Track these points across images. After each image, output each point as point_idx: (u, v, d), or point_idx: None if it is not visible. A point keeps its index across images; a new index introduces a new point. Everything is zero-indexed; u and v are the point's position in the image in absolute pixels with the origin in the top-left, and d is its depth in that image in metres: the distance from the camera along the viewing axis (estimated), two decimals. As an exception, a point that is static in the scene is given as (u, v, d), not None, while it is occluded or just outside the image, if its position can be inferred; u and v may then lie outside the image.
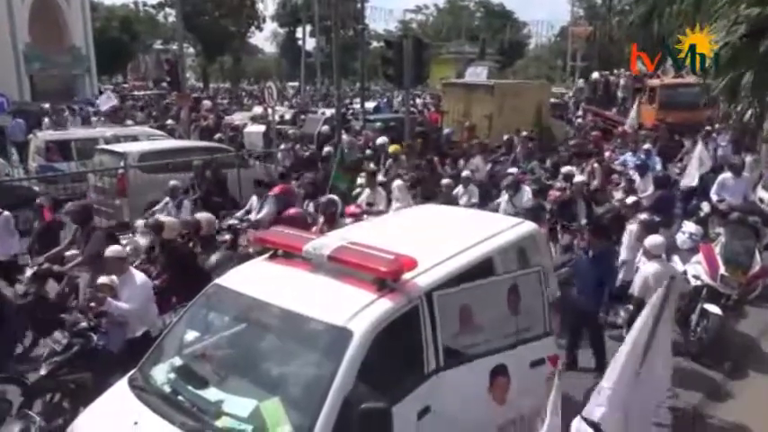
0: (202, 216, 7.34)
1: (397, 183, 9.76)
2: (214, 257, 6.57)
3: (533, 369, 4.67)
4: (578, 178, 9.69)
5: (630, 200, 8.35)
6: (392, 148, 12.72)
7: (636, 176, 10.29)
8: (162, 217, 7.16)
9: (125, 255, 5.78)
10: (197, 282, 5.57)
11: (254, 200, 9.44)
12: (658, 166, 11.87)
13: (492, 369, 4.32)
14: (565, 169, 10.62)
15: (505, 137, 14.54)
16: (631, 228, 7.27)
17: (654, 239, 6.04)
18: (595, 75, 26.72)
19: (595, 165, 11.13)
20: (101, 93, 37.62)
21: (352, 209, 8.12)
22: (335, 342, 3.61)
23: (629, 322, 6.08)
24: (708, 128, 15.18)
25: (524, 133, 14.56)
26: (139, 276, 5.73)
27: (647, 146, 12.81)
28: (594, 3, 55.36)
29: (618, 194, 9.51)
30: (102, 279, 5.65)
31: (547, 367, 4.72)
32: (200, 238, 7.07)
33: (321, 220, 7.66)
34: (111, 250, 5.68)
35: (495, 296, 4.53)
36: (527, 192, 9.23)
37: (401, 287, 3.94)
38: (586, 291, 6.20)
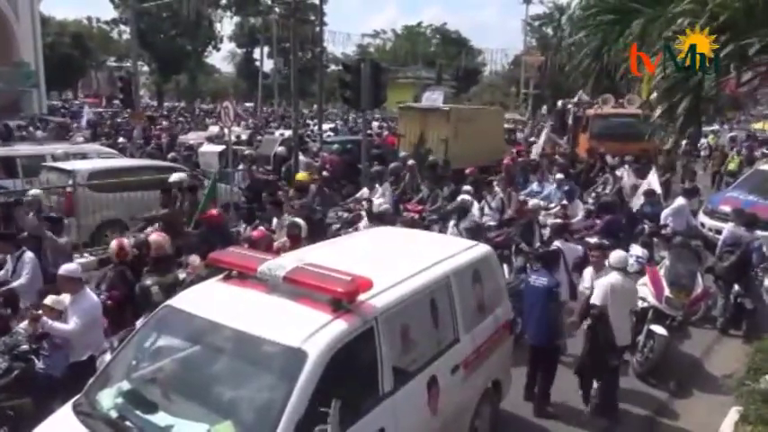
0: (152, 237, 7.13)
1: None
2: (146, 282, 6.31)
3: (453, 375, 4.82)
4: (533, 202, 9.95)
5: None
6: (300, 176, 11.35)
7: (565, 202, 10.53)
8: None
9: (78, 275, 5.57)
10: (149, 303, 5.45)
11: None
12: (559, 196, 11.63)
13: (427, 381, 4.47)
14: (465, 188, 10.93)
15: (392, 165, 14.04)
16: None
17: (618, 254, 6.30)
18: (560, 103, 27.21)
19: (513, 193, 11.25)
20: (64, 108, 36.73)
21: (255, 233, 7.75)
22: (290, 364, 3.57)
23: (591, 340, 6.24)
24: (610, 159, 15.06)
25: (410, 162, 13.86)
26: (90, 299, 5.56)
27: (559, 175, 12.53)
28: (546, 34, 57.35)
29: (550, 220, 9.71)
30: (47, 300, 5.48)
31: (462, 371, 4.92)
32: (152, 259, 6.86)
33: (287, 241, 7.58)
34: (64, 269, 5.53)
35: (425, 311, 4.70)
36: (473, 216, 9.41)
37: (357, 308, 3.95)
38: (543, 321, 6.16)
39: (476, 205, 10.37)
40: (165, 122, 29.42)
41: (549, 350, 6.28)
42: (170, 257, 6.97)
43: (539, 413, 6.27)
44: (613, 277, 6.16)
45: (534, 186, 12.59)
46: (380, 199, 10.84)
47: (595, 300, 6.07)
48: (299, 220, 8.06)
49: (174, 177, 10.44)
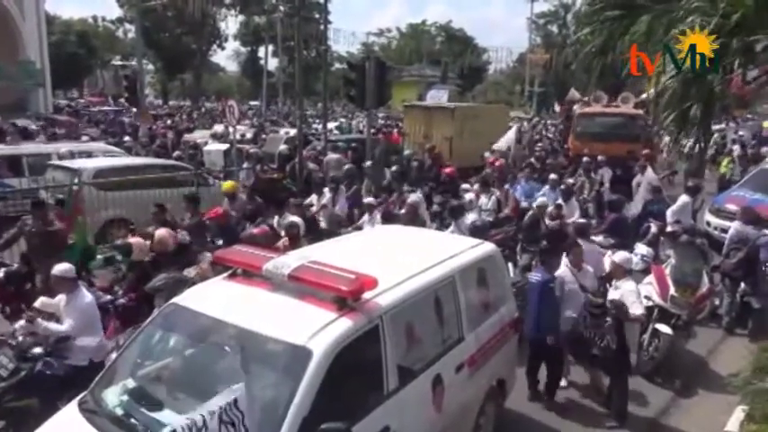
0: (158, 233, 7.13)
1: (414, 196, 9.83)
2: (156, 279, 6.31)
3: (457, 374, 4.81)
4: (541, 200, 9.92)
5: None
6: (226, 186, 10.40)
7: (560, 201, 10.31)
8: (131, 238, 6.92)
9: (71, 274, 5.48)
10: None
11: None
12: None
13: (432, 380, 4.46)
14: (464, 186, 11.11)
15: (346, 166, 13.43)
16: None
17: (624, 255, 6.23)
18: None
19: (510, 192, 11.15)
20: (69, 106, 36.84)
21: (256, 229, 7.71)
22: (295, 362, 3.57)
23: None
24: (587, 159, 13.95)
25: (368, 163, 13.46)
26: (85, 298, 5.47)
27: (552, 176, 11.98)
28: (551, 32, 57.26)
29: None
30: (37, 302, 5.44)
31: (466, 370, 4.90)
32: (161, 255, 6.84)
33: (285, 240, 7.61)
34: (57, 269, 5.46)
35: (430, 309, 4.70)
36: (471, 216, 9.37)
37: (362, 306, 3.95)
38: (548, 318, 6.14)
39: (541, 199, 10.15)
40: (168, 120, 29.51)
41: (541, 342, 6.23)
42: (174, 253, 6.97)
43: (549, 406, 6.31)
44: (632, 283, 6.09)
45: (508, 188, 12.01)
46: (324, 201, 10.48)
47: (638, 309, 5.97)
48: (298, 219, 8.10)
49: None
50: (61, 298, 5.50)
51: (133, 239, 6.82)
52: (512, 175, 12.99)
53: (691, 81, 5.24)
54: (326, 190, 10.84)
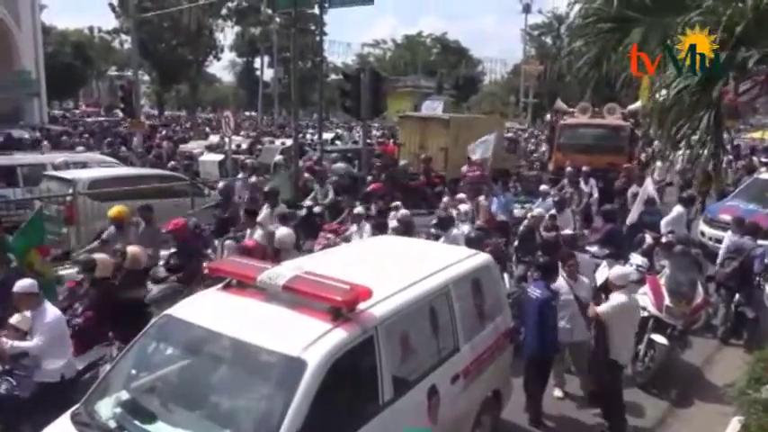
0: (129, 249, 6.97)
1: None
2: (156, 289, 6.19)
3: (453, 384, 4.80)
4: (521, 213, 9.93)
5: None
6: (114, 211, 8.67)
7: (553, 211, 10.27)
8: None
9: (35, 289, 5.28)
10: (128, 317, 5.36)
11: None
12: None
13: (427, 391, 4.46)
14: (460, 196, 11.18)
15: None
16: None
17: (619, 270, 6.23)
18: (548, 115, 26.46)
19: (484, 203, 11.06)
20: (64, 117, 36.76)
21: (250, 242, 7.59)
22: (289, 373, 3.56)
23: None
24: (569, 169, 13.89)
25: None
26: (51, 313, 5.27)
27: (543, 187, 12.09)
28: (545, 43, 57.60)
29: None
30: (12, 319, 5.25)
31: (461, 381, 4.88)
32: (126, 271, 6.61)
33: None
34: (19, 285, 5.25)
35: (425, 320, 4.69)
36: (462, 228, 9.35)
37: (356, 317, 3.94)
38: (536, 332, 6.07)
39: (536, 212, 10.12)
40: (164, 131, 29.52)
41: (541, 361, 6.21)
42: (140, 271, 6.84)
43: (533, 423, 6.24)
44: (623, 297, 6.05)
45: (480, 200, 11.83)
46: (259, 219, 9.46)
47: (601, 310, 5.98)
48: (289, 231, 8.07)
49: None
50: (28, 314, 5.26)
51: (97, 255, 6.66)
52: (488, 187, 12.78)
53: (698, 92, 5.22)
54: (265, 207, 9.81)
